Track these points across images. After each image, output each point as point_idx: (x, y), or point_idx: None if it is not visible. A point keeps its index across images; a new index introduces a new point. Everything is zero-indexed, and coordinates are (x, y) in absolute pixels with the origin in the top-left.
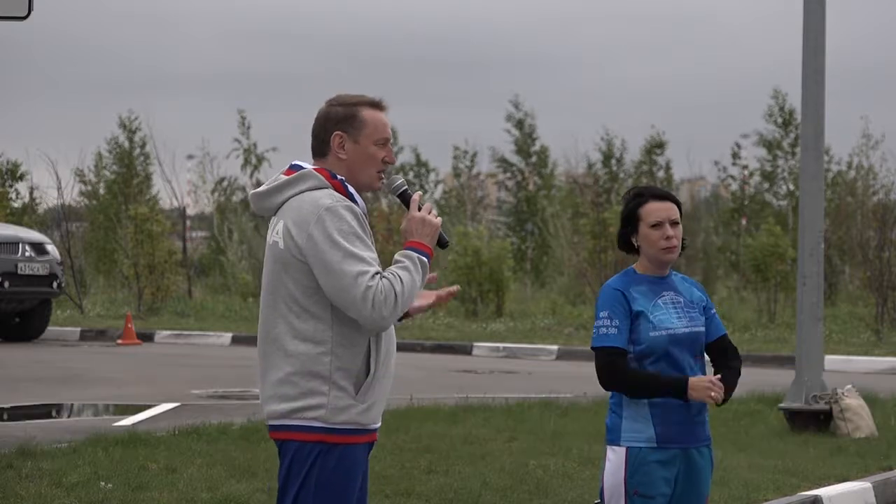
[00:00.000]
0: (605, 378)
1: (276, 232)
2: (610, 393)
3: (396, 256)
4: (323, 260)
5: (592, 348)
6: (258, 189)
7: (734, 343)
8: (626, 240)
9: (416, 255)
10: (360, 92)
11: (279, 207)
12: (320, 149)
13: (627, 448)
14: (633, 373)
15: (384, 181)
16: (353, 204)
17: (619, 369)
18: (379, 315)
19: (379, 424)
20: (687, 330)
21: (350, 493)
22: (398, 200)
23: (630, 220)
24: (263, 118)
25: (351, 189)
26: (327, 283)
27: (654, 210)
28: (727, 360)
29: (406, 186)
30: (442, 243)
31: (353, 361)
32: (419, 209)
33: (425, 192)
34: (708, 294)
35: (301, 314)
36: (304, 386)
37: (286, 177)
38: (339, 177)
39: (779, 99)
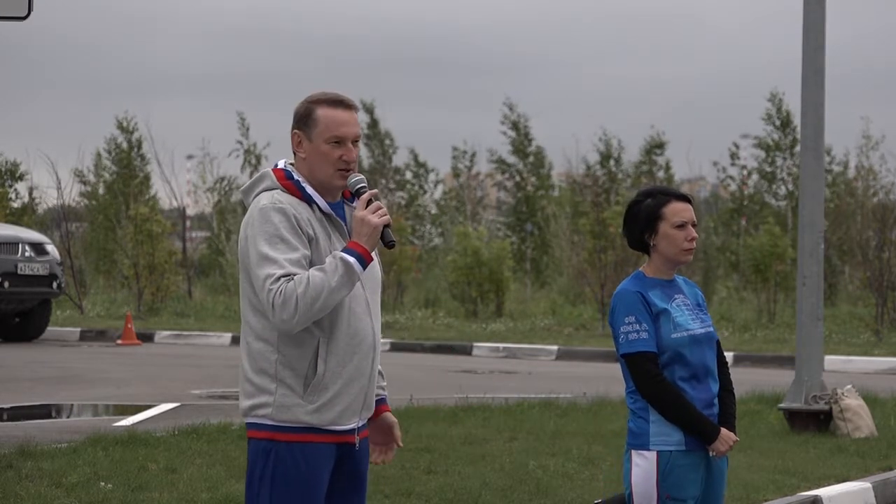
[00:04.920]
0: (646, 387)
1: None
2: (630, 398)
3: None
4: (246, 262)
5: (623, 355)
6: (242, 187)
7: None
8: (640, 239)
9: (339, 255)
10: (359, 92)
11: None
12: (292, 147)
13: (658, 452)
14: (676, 394)
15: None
16: (289, 205)
17: (663, 382)
18: (279, 318)
19: (347, 426)
20: (703, 330)
21: (305, 493)
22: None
23: (651, 219)
24: (263, 118)
25: (309, 190)
26: (253, 284)
27: (680, 210)
28: (725, 384)
29: (363, 185)
30: (386, 242)
31: (300, 361)
32: (367, 208)
33: (425, 192)
34: (704, 295)
35: (256, 312)
36: (257, 383)
37: (254, 177)
38: (296, 177)
39: (775, 101)
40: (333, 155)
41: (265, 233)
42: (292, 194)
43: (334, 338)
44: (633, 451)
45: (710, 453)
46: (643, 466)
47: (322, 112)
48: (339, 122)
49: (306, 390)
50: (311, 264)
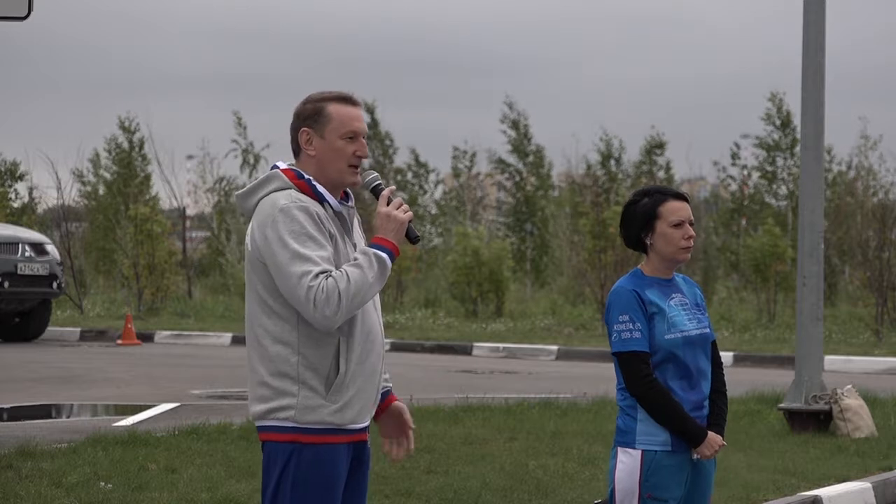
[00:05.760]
0: (635, 387)
1: (248, 234)
2: (620, 394)
3: (355, 253)
4: (274, 261)
5: (615, 353)
6: (240, 191)
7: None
8: (638, 238)
9: (372, 251)
10: (359, 92)
11: (253, 209)
12: (295, 147)
13: (643, 451)
14: (665, 395)
15: (360, 176)
16: (310, 204)
17: (653, 383)
18: (321, 314)
19: (364, 424)
20: (697, 331)
21: (328, 493)
22: (373, 196)
23: (648, 219)
24: (263, 118)
25: (320, 188)
26: (279, 284)
27: (676, 209)
28: (718, 386)
29: (379, 181)
30: (411, 238)
31: (322, 361)
32: (388, 204)
33: (425, 192)
34: (704, 295)
35: (270, 315)
36: (276, 387)
37: (259, 178)
38: (306, 176)
39: (776, 101)
40: (348, 150)
41: (292, 231)
42: (305, 193)
43: (353, 337)
44: (619, 448)
45: (694, 456)
46: (627, 464)
47: (333, 108)
48: (352, 118)
49: (329, 390)
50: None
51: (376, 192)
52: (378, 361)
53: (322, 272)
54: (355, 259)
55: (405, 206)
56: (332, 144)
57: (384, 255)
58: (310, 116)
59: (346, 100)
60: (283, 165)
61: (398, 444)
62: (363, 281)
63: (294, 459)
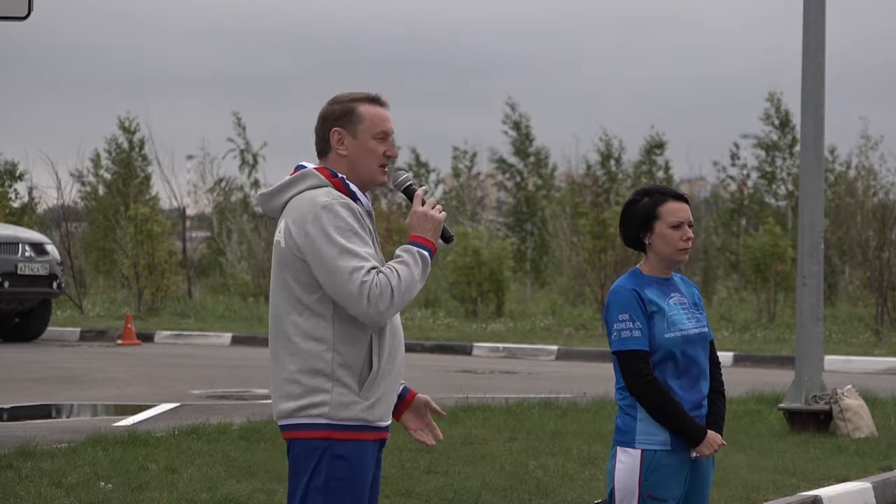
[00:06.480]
0: (635, 386)
1: (279, 231)
2: (619, 394)
3: (397, 251)
4: (320, 257)
5: (615, 352)
6: (265, 190)
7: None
8: (636, 238)
9: (415, 249)
10: (362, 91)
11: (283, 207)
12: (323, 147)
13: (642, 451)
14: (665, 395)
15: (389, 176)
16: (351, 201)
17: (653, 382)
18: (375, 310)
19: (387, 423)
20: (696, 331)
21: (359, 490)
22: (403, 196)
23: (647, 218)
24: (263, 118)
25: (353, 187)
26: (325, 279)
27: (676, 210)
28: (715, 385)
29: (411, 182)
30: (446, 238)
31: (356, 358)
32: (423, 204)
33: (427, 192)
34: (704, 295)
35: (303, 312)
36: (308, 384)
37: (290, 177)
38: (339, 175)
39: (774, 100)
40: (379, 150)
41: (338, 227)
42: (340, 192)
43: (384, 335)
44: (619, 448)
45: (693, 455)
46: (627, 463)
47: (364, 109)
48: (382, 118)
49: (361, 387)
50: None
51: (409, 192)
52: (402, 360)
53: (373, 268)
54: (399, 256)
55: (439, 206)
56: (365, 144)
57: (426, 252)
58: (341, 116)
59: (375, 100)
60: (309, 165)
61: (424, 433)
62: (411, 278)
63: (327, 456)
